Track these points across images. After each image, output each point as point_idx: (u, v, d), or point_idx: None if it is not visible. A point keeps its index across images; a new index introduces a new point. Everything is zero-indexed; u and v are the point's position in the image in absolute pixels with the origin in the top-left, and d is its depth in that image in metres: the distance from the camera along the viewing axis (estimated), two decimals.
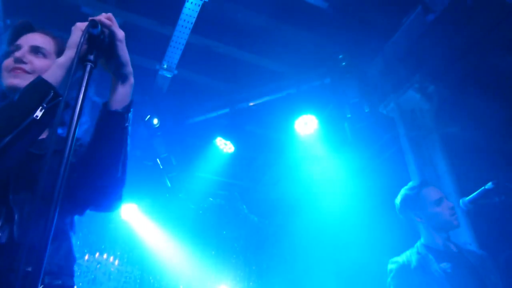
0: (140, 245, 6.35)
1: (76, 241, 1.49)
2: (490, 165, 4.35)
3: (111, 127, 1.33)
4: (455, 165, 4.06)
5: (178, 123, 5.08)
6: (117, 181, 1.33)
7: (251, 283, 6.85)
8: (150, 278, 6.31)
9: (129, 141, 1.37)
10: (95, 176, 1.31)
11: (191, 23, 4.05)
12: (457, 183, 3.85)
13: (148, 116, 4.84)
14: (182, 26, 4.09)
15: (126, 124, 1.33)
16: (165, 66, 4.55)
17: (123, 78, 1.36)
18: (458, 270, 2.47)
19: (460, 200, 2.49)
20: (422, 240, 2.74)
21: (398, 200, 2.91)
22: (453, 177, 3.90)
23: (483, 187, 2.29)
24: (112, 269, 5.91)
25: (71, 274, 1.37)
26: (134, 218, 6.10)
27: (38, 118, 1.19)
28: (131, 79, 1.38)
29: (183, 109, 5.13)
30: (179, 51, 4.39)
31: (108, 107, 1.35)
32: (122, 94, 1.35)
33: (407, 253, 2.74)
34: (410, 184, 2.90)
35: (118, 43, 1.32)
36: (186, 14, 3.97)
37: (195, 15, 3.96)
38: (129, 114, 1.36)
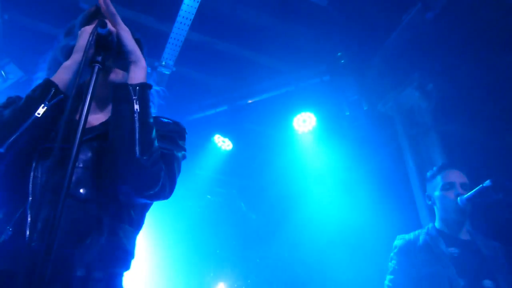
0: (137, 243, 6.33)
1: (131, 235, 1.38)
2: (489, 163, 4.35)
3: (117, 101, 1.31)
4: (453, 163, 4.04)
5: (176, 120, 5.06)
6: (137, 163, 1.23)
7: (249, 281, 6.85)
8: (148, 276, 6.30)
9: (150, 119, 1.30)
10: (112, 159, 1.26)
11: (190, 20, 4.03)
12: None
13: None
14: (181, 22, 4.07)
15: (134, 97, 1.29)
16: (163, 63, 4.54)
17: (135, 63, 1.36)
18: (465, 257, 2.47)
19: (458, 198, 2.47)
20: (435, 223, 2.71)
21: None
22: None
23: (481, 185, 2.28)
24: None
25: (100, 277, 1.25)
26: None
27: (40, 115, 1.24)
28: (143, 63, 1.38)
29: (181, 106, 5.12)
30: (177, 48, 4.37)
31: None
32: (135, 76, 1.34)
33: (416, 232, 2.72)
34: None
35: (123, 33, 1.34)
36: (185, 11, 3.95)
37: (194, 11, 3.94)
38: (140, 89, 1.31)
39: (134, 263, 1.44)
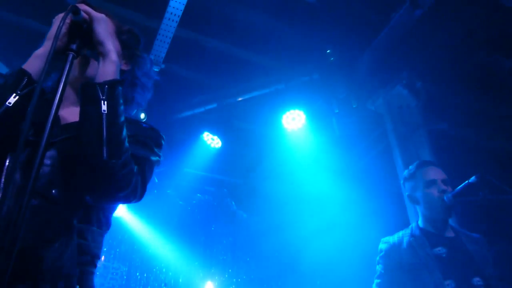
0: (127, 241, 6.30)
1: (98, 238, 1.35)
2: (477, 161, 4.37)
3: (84, 101, 1.24)
4: (442, 161, 4.06)
5: (165, 118, 5.03)
6: (104, 166, 1.17)
7: (239, 280, 6.83)
8: (137, 274, 6.26)
9: (120, 119, 1.24)
10: (79, 161, 1.20)
11: (178, 16, 4.00)
12: None
13: (135, 110, 4.79)
14: (169, 19, 4.03)
15: (102, 97, 1.22)
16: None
17: (103, 56, 1.30)
18: (453, 256, 2.44)
19: (444, 195, 2.47)
20: (419, 222, 2.66)
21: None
22: None
23: (466, 181, 2.28)
24: (98, 265, 5.84)
25: (70, 278, 1.21)
26: (121, 213, 6.05)
27: (10, 105, 1.18)
28: (112, 56, 1.31)
29: (170, 104, 5.08)
30: (166, 45, 4.33)
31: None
32: (103, 71, 1.28)
33: (400, 234, 2.69)
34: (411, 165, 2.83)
35: (95, 21, 1.29)
36: (173, 7, 3.91)
37: (182, 8, 3.91)
38: (109, 88, 1.24)
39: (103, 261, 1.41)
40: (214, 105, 5.04)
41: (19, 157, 1.21)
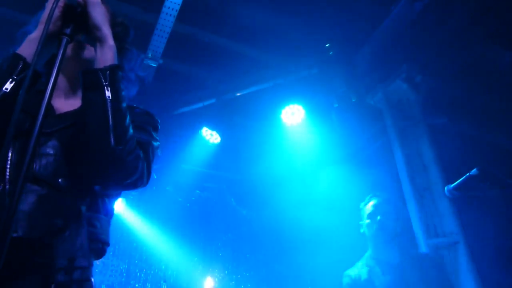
0: (126, 239, 6.28)
1: (106, 225, 1.34)
2: (477, 155, 4.35)
3: (87, 88, 1.23)
4: (441, 156, 4.04)
5: (163, 113, 5.00)
6: (112, 152, 1.16)
7: (239, 276, 6.82)
8: (137, 271, 6.24)
9: (124, 105, 1.23)
10: (87, 150, 1.20)
11: (176, 11, 3.96)
12: (444, 173, 3.83)
13: (134, 106, 4.76)
14: (167, 13, 3.99)
15: (105, 83, 1.21)
16: (149, 55, 4.45)
17: (100, 41, 1.28)
18: (393, 285, 2.55)
19: (445, 187, 2.45)
20: (369, 251, 2.79)
21: None
22: (440, 167, 3.88)
23: (468, 173, 2.25)
24: (97, 262, 5.83)
25: (84, 266, 1.21)
26: (121, 211, 6.03)
27: (7, 90, 1.16)
28: (109, 41, 1.29)
29: (168, 100, 5.05)
30: (164, 40, 4.29)
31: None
32: (102, 56, 1.27)
33: (358, 265, 2.82)
34: None
35: (90, 6, 1.26)
36: (171, 1, 3.87)
37: (180, 2, 3.87)
38: (111, 74, 1.23)
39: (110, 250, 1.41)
40: (212, 100, 5.01)
41: (9, 147, 1.18)
